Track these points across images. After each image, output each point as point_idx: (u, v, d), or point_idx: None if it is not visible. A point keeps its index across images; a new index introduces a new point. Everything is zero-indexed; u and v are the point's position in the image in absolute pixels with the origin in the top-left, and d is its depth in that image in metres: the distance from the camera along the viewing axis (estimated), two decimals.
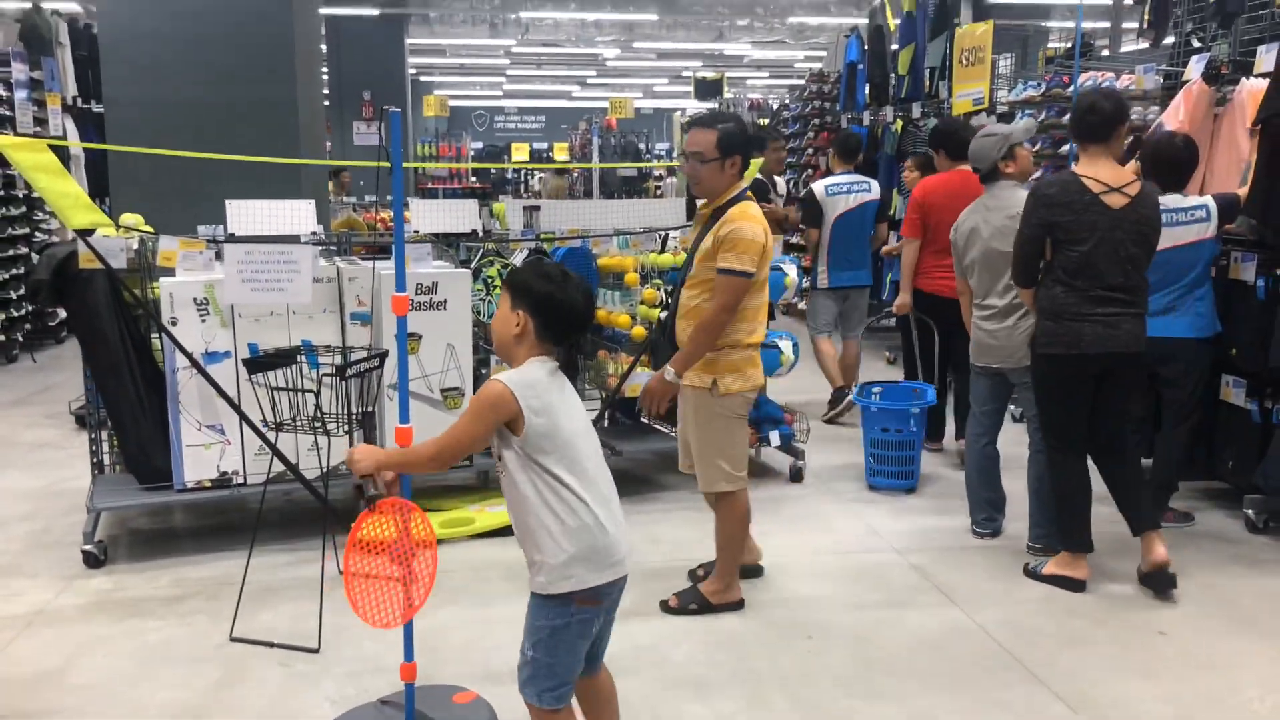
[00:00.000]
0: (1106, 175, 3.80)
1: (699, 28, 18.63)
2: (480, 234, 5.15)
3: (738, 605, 3.81)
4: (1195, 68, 5.22)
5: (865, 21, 10.55)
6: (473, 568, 4.17)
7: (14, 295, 8.64)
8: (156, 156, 4.55)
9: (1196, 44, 5.65)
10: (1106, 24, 16.64)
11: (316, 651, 3.46)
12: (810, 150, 11.63)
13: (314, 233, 4.86)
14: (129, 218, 4.57)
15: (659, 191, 17.29)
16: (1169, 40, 6.07)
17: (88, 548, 4.19)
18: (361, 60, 17.05)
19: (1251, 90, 4.86)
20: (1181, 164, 4.46)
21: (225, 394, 4.10)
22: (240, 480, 4.37)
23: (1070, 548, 3.99)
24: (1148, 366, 4.39)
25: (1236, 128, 4.99)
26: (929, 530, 4.66)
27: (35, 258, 8.70)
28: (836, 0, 15.88)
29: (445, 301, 4.51)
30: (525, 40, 19.42)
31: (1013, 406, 4.82)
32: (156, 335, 4.39)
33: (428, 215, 5.10)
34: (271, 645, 3.50)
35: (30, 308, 8.82)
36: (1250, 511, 4.61)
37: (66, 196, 3.69)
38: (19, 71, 8.82)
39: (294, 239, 4.57)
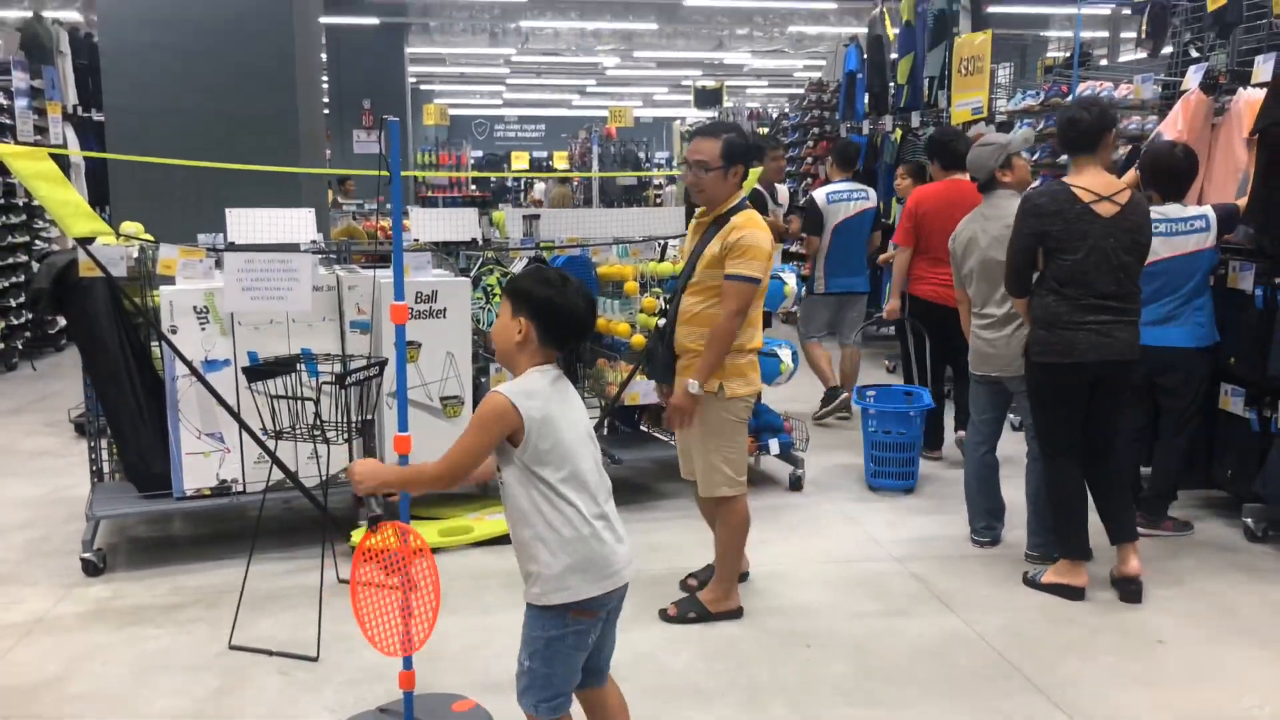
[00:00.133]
0: (1096, 184, 3.81)
1: (698, 37, 18.70)
2: (480, 243, 5.16)
3: (737, 613, 3.81)
4: (1193, 77, 5.24)
5: (864, 31, 10.55)
6: (472, 576, 4.17)
7: (13, 303, 8.65)
8: (156, 165, 4.56)
9: (1194, 54, 5.66)
10: (1105, 34, 16.71)
11: (315, 660, 3.46)
12: (810, 159, 11.67)
13: (314, 241, 4.87)
14: (129, 226, 4.59)
15: (659, 200, 17.31)
16: (1167, 50, 6.09)
17: (87, 556, 4.19)
18: (362, 69, 17.10)
19: (1249, 100, 4.87)
20: (1181, 174, 4.47)
21: (225, 402, 4.10)
22: (239, 488, 4.37)
23: (1068, 555, 3.99)
24: (1142, 374, 4.40)
25: (1234, 137, 5.00)
26: (928, 538, 4.66)
27: (35, 266, 8.71)
28: (836, 10, 15.94)
29: (445, 310, 4.52)
30: (525, 49, 19.49)
31: (1012, 415, 4.83)
32: (156, 343, 4.39)
33: (427, 224, 5.11)
34: (270, 653, 3.50)
35: (30, 316, 8.83)
36: (1249, 520, 4.61)
37: (67, 205, 3.70)
38: (19, 80, 8.84)
39: (294, 247, 4.58)
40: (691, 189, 3.68)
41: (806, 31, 17.85)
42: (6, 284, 8.58)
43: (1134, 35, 6.33)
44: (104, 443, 4.64)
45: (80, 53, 10.20)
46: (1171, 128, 5.14)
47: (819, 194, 6.70)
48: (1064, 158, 6.73)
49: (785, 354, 5.27)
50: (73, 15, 13.53)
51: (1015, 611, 3.88)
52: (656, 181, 18.28)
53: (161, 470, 4.34)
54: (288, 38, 6.61)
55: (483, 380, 4.94)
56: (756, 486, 5.13)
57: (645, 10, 16.56)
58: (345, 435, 3.84)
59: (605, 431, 5.34)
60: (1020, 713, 3.17)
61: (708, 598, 3.81)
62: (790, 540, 4.64)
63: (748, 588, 4.05)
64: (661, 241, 5.28)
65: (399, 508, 2.87)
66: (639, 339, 4.99)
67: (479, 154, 28.42)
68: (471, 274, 4.99)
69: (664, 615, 3.79)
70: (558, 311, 2.37)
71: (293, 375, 3.72)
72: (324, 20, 11.67)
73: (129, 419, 4.37)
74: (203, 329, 4.24)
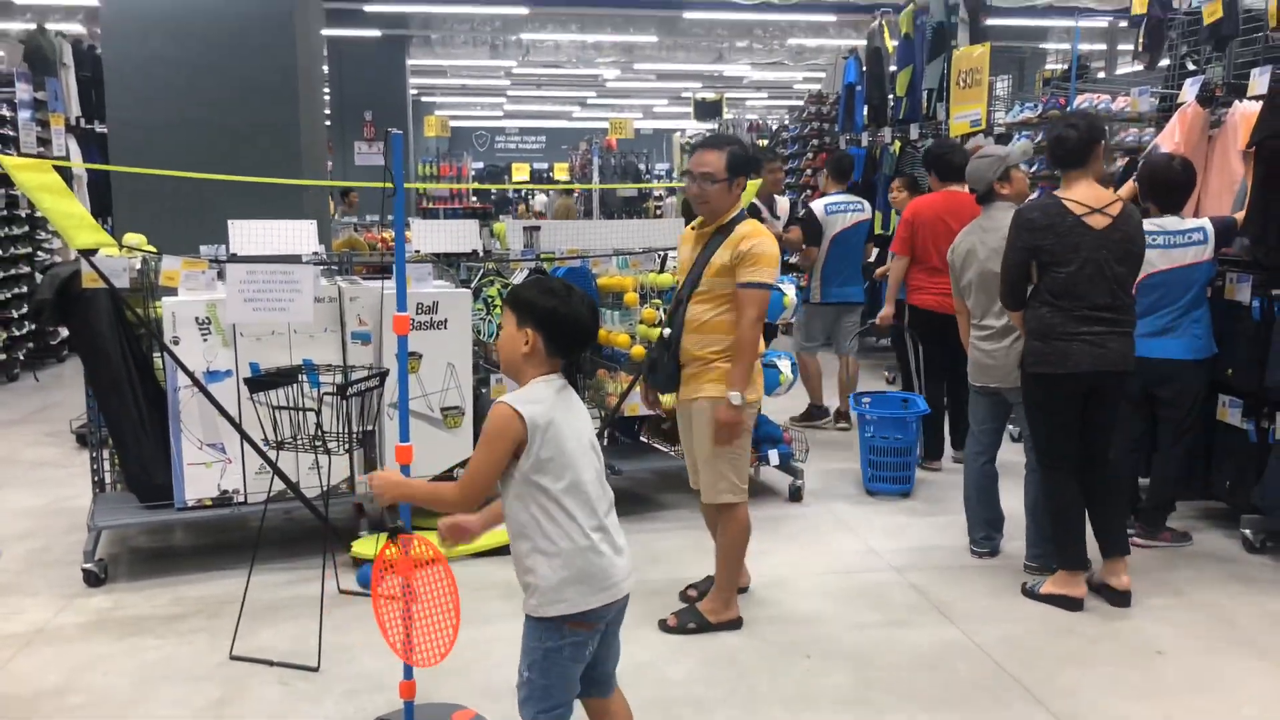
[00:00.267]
0: (1088, 197, 3.84)
1: (698, 49, 18.76)
2: (481, 254, 5.18)
3: (736, 624, 3.82)
4: (1190, 90, 5.27)
5: (863, 44, 10.60)
6: (472, 586, 4.17)
7: (15, 314, 8.67)
8: (159, 176, 4.58)
9: (1191, 66, 5.70)
10: (1103, 46, 16.77)
11: (316, 670, 3.47)
12: (809, 170, 11.71)
13: (315, 253, 4.90)
14: (132, 237, 4.61)
15: (659, 211, 17.35)
16: (1164, 63, 6.13)
17: (88, 566, 4.20)
18: (363, 81, 17.15)
19: (1245, 113, 4.90)
20: (1179, 186, 4.50)
21: (226, 413, 4.11)
22: (241, 499, 4.38)
23: (1066, 565, 4.00)
24: (1140, 386, 4.42)
25: (1230, 150, 5.03)
26: (927, 549, 4.67)
27: (38, 277, 8.74)
28: (835, 23, 16.00)
29: (446, 321, 4.54)
30: (526, 61, 19.54)
31: (1011, 427, 4.85)
32: (158, 354, 4.41)
33: (429, 235, 5.14)
34: (271, 663, 3.51)
35: (32, 326, 8.85)
36: (1248, 531, 4.62)
37: (70, 217, 3.72)
38: (23, 92, 8.88)
39: (295, 259, 4.61)
40: (695, 200, 3.71)
41: (806, 44, 17.91)
42: (9, 295, 8.61)
43: (1131, 48, 6.36)
44: (106, 453, 4.65)
45: (83, 65, 10.25)
46: (1168, 140, 5.17)
47: (817, 205, 6.79)
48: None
49: (784, 365, 5.30)
50: (76, 28, 13.59)
51: (1014, 622, 3.89)
52: (657, 193, 18.33)
53: (163, 481, 4.35)
54: (290, 50, 6.64)
55: (483, 391, 4.96)
56: (756, 497, 5.13)
57: (645, 23, 16.62)
58: (346, 446, 3.86)
59: (605, 442, 5.35)
60: None
61: (707, 608, 3.82)
62: (790, 550, 4.65)
63: (748, 598, 4.06)
64: (661, 253, 5.30)
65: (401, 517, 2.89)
66: (639, 350, 5.01)
67: (480, 165, 28.50)
68: (472, 285, 5.01)
69: (664, 626, 3.80)
70: (563, 321, 2.38)
71: (294, 386, 3.74)
72: (326, 33, 11.73)
73: (131, 429, 4.39)
74: (205, 340, 4.26)
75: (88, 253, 3.91)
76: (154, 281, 4.39)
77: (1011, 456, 4.76)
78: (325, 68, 13.91)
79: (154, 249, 4.50)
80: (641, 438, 5.60)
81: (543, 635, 2.36)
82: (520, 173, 28.99)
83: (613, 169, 19.72)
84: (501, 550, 4.41)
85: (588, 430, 2.44)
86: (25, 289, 8.86)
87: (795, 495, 5.37)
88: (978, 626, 3.84)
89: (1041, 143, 7.21)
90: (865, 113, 10.27)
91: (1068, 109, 6.66)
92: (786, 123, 15.58)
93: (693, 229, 3.85)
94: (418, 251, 5.12)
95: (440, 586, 2.51)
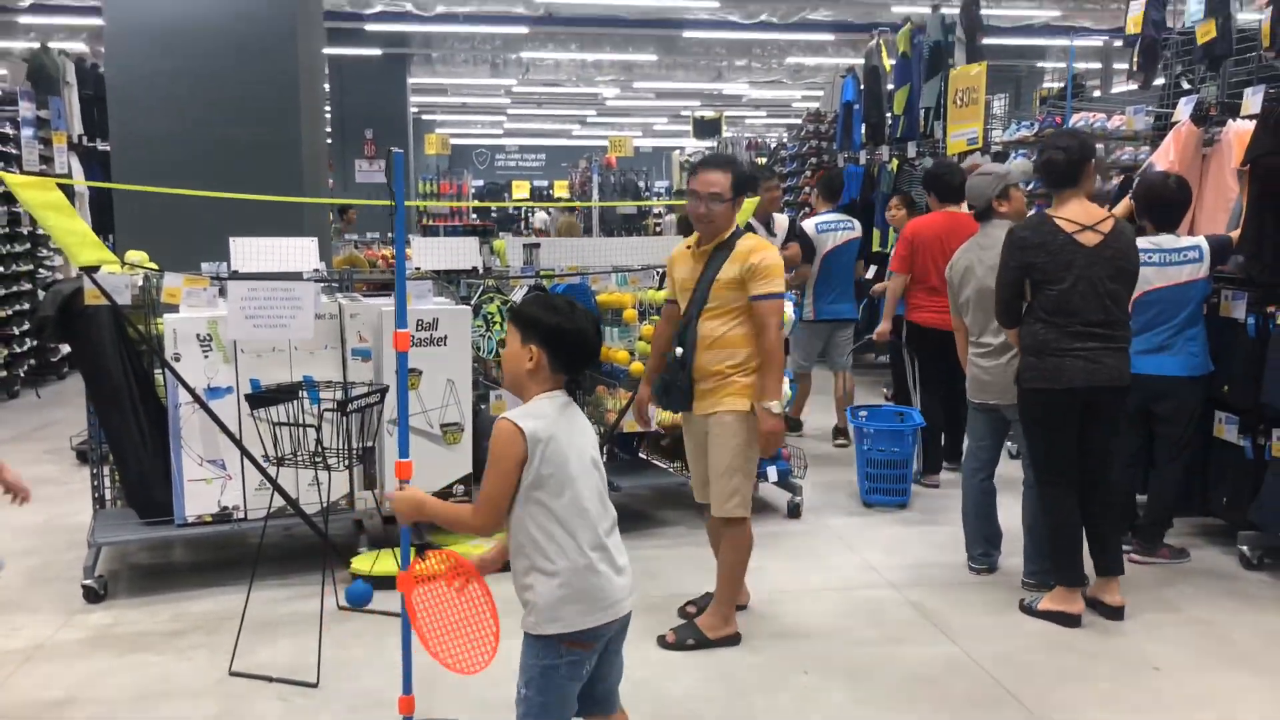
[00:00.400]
0: (1079, 214, 3.88)
1: (697, 68, 18.87)
2: (480, 271, 5.21)
3: (734, 639, 3.83)
4: (1184, 109, 5.32)
5: (861, 62, 10.67)
6: None
7: (16, 331, 8.70)
8: (161, 194, 4.61)
9: (1186, 86, 5.75)
10: (1098, 65, 16.87)
11: (315, 686, 3.47)
12: (807, 188, 11.77)
13: (316, 270, 4.92)
14: (134, 255, 4.63)
15: (658, 229, 17.41)
16: (1159, 82, 6.18)
17: (88, 582, 4.21)
18: (364, 99, 17.25)
19: (1238, 131, 4.95)
20: (1174, 204, 4.54)
21: (227, 429, 4.13)
22: (241, 515, 4.39)
23: (1063, 581, 4.01)
24: (1137, 403, 4.44)
25: (1224, 168, 5.07)
26: (925, 565, 4.68)
27: (40, 295, 8.78)
28: (833, 42, 16.10)
29: (445, 338, 4.56)
30: (526, 80, 19.65)
31: (1010, 444, 4.86)
32: (160, 370, 4.43)
33: (429, 252, 5.17)
34: (271, 679, 3.51)
35: (33, 344, 8.88)
36: (1245, 548, 4.63)
37: (74, 234, 3.75)
38: (26, 110, 8.94)
39: (296, 276, 4.63)
40: (700, 220, 3.75)
41: (804, 63, 18.02)
42: (10, 312, 8.64)
43: (1126, 67, 6.42)
44: (106, 469, 4.67)
45: (86, 83, 10.31)
46: (1163, 158, 5.21)
47: (809, 224, 6.90)
48: None
49: (784, 383, 5.32)
50: (79, 47, 13.67)
51: (1012, 638, 3.89)
52: (656, 210, 18.39)
53: (163, 497, 4.36)
54: (292, 68, 6.69)
55: (482, 407, 4.98)
56: (755, 514, 5.11)
57: (645, 42, 16.72)
58: (346, 462, 3.88)
59: (604, 459, 5.35)
60: None
61: (706, 624, 3.83)
62: (788, 567, 4.66)
63: (746, 614, 4.06)
64: (660, 270, 5.33)
65: (401, 536, 2.90)
66: (637, 366, 5.03)
67: (480, 183, 28.60)
68: (472, 302, 5.03)
69: (662, 642, 3.80)
70: (567, 337, 2.39)
71: (295, 402, 3.76)
72: (327, 51, 11.80)
73: (131, 446, 4.40)
74: (206, 356, 4.28)
75: (90, 270, 3.94)
76: (156, 298, 4.42)
77: (1010, 472, 4.77)
78: (326, 86, 13.99)
79: (156, 266, 4.53)
80: (640, 454, 5.61)
81: (540, 653, 2.36)
82: (520, 190, 29.09)
83: (612, 187, 19.80)
84: (503, 568, 4.42)
85: (590, 447, 2.44)
86: (26, 306, 8.89)
87: (794, 512, 5.38)
88: (975, 643, 3.85)
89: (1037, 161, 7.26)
90: (863, 131, 10.33)
91: (1063, 127, 6.70)
92: (785, 141, 15.68)
93: (688, 248, 3.88)
94: (418, 269, 5.15)
95: (475, 597, 2.48)
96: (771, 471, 5.34)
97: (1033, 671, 3.62)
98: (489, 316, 5.01)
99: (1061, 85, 10.56)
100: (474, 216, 18.64)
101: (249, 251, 4.76)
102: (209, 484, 4.34)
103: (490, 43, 16.68)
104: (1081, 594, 4.02)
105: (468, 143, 33.18)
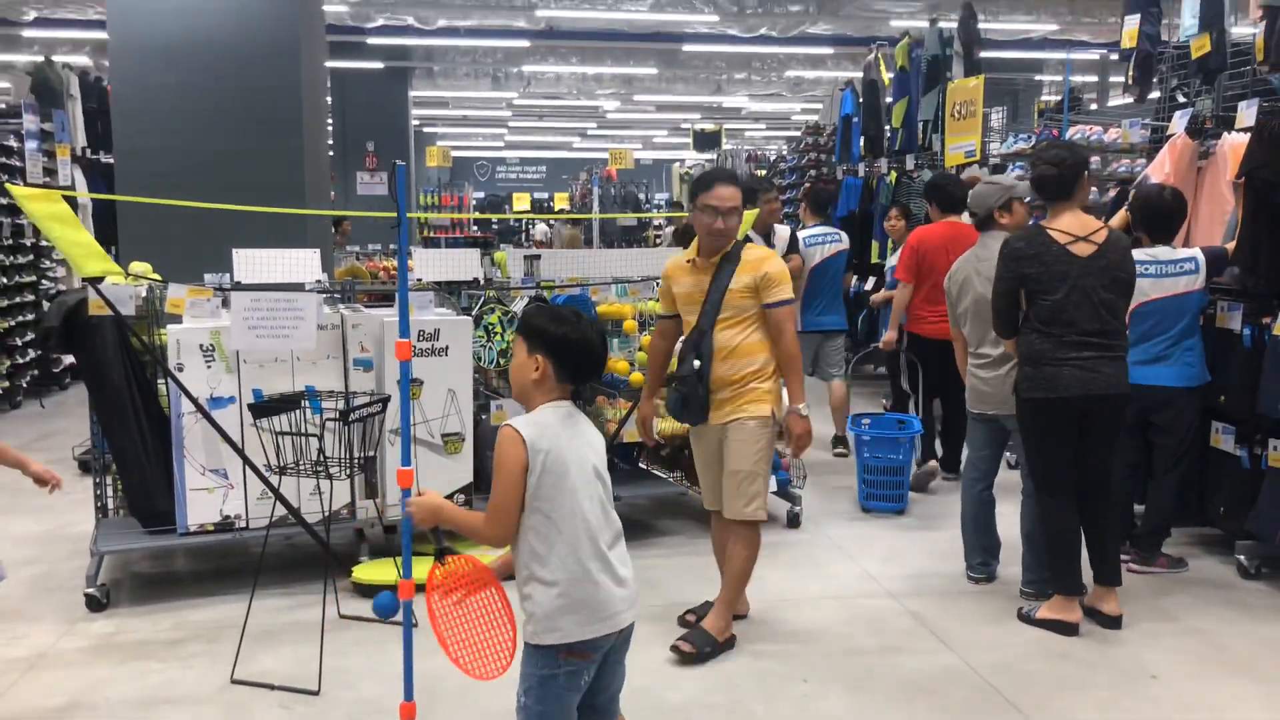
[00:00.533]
0: (1072, 225, 3.92)
1: (697, 81, 18.93)
2: (481, 282, 5.25)
3: (730, 643, 3.86)
4: (1179, 122, 5.35)
5: (860, 76, 10.73)
6: None
7: (20, 342, 8.73)
8: (165, 206, 4.64)
9: (1181, 99, 5.79)
10: (1095, 78, 16.94)
11: (317, 694, 3.49)
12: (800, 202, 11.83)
13: (318, 281, 4.96)
14: (138, 266, 4.67)
15: (658, 240, 17.46)
16: (1155, 95, 6.22)
17: (90, 591, 4.23)
18: (366, 112, 17.32)
19: (1233, 144, 4.98)
20: (1170, 216, 4.57)
21: (229, 438, 4.16)
22: (243, 524, 4.41)
23: (1061, 590, 4.03)
24: (1134, 413, 4.46)
25: (1219, 180, 5.10)
26: (924, 574, 4.70)
27: (45, 305, 8.81)
28: (832, 55, 16.19)
29: (447, 348, 4.59)
30: (527, 93, 19.73)
31: (1008, 454, 4.89)
32: (163, 381, 4.46)
33: (431, 264, 5.20)
34: (272, 688, 3.53)
35: (36, 354, 8.91)
36: (1242, 557, 4.65)
37: (79, 245, 3.78)
38: (30, 123, 8.99)
39: (299, 287, 4.67)
40: (716, 234, 3.79)
41: (804, 76, 18.09)
42: (13, 323, 8.67)
43: (1122, 80, 6.46)
44: (109, 478, 4.69)
45: (89, 96, 10.36)
46: (1159, 171, 5.25)
47: (798, 237, 6.94)
48: None
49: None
50: (83, 60, 13.73)
51: (1010, 647, 3.91)
52: (656, 222, 18.44)
53: (165, 506, 4.38)
54: (294, 83, 6.74)
55: (483, 417, 5.00)
56: None
57: (645, 55, 16.79)
58: (348, 471, 3.90)
59: None
60: None
61: (714, 626, 3.83)
62: (788, 575, 4.68)
63: (747, 623, 4.08)
64: (659, 281, 5.35)
65: (402, 542, 2.92)
66: (637, 376, 5.06)
67: (481, 195, 28.66)
68: (473, 313, 5.07)
69: (679, 653, 3.74)
70: (573, 347, 2.41)
71: (297, 412, 3.79)
72: (329, 64, 11.86)
73: (134, 455, 4.43)
74: (209, 367, 4.31)
75: (95, 281, 3.97)
76: (159, 309, 4.45)
77: (1009, 481, 4.80)
78: (329, 99, 14.05)
79: (159, 277, 4.56)
80: (640, 464, 5.63)
81: (539, 662, 2.37)
82: (521, 202, 29.13)
83: (612, 199, 19.85)
84: (506, 577, 4.44)
85: (593, 457, 2.44)
86: (30, 316, 8.93)
87: (793, 522, 5.40)
88: (974, 651, 3.86)
89: None
90: (861, 144, 10.38)
91: (1057, 139, 6.74)
92: (784, 153, 15.73)
93: (688, 261, 3.91)
94: (420, 280, 5.18)
95: (493, 602, 2.49)
96: (771, 481, 5.35)
97: (1031, 680, 3.64)
98: (490, 327, 5.04)
99: (1059, 98, 10.61)
100: (475, 228, 18.68)
101: (252, 263, 4.80)
102: (211, 493, 4.36)
103: (492, 56, 16.76)
104: (1079, 603, 4.04)
105: (469, 155, 33.29)
